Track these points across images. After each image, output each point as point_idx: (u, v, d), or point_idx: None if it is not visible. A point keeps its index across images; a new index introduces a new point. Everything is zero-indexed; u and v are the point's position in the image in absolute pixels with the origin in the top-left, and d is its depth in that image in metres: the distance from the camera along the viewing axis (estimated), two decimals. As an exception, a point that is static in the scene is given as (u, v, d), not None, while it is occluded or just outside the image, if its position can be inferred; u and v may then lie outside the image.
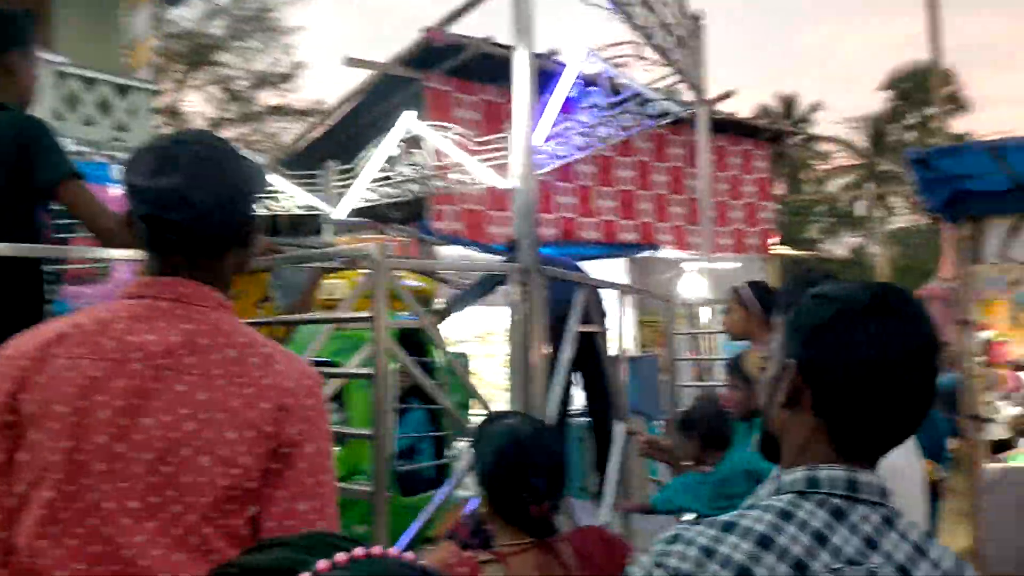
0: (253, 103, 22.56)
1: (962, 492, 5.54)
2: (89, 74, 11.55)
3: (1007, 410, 7.91)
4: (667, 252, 12.48)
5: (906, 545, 1.08)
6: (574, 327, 3.61)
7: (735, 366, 3.16)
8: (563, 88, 6.79)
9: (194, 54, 21.17)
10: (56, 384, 1.29)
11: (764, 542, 1.05)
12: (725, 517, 1.11)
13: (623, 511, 4.09)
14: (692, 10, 5.89)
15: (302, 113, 22.67)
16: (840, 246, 34.26)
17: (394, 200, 9.13)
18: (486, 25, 10.08)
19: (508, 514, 2.13)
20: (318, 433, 1.38)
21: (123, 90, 11.76)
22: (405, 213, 9.90)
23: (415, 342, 3.76)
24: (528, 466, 2.12)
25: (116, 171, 6.05)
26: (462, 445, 4.10)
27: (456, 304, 5.42)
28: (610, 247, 11.70)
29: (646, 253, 12.17)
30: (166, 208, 1.35)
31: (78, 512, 1.26)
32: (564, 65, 7.08)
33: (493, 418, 2.44)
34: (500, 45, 9.65)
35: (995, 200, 5.58)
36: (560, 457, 2.21)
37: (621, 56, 5.96)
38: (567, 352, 3.51)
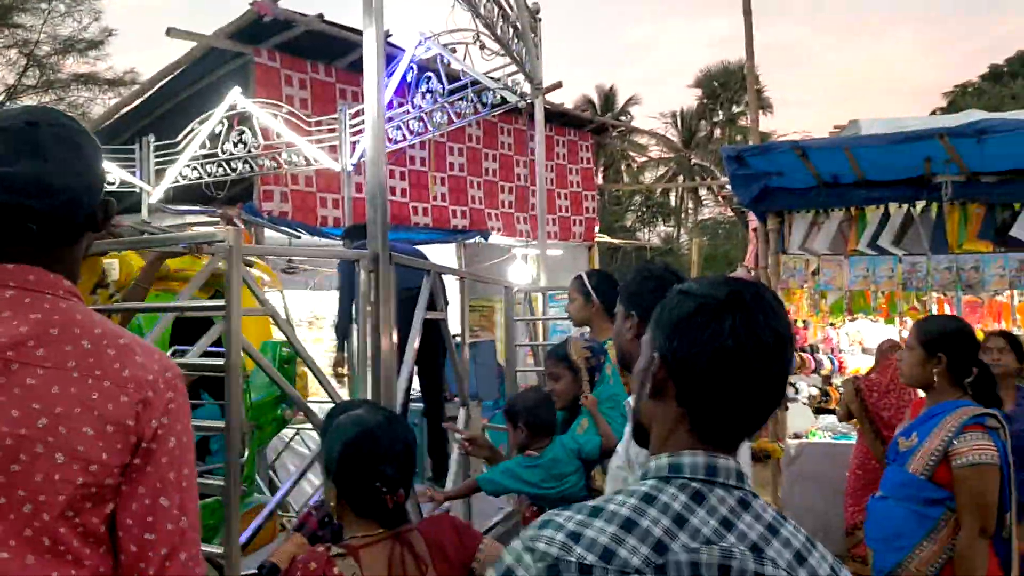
0: (57, 71, 20.89)
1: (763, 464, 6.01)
2: None
3: (807, 390, 8.64)
4: (496, 238, 12.68)
5: (759, 525, 1.14)
6: (421, 314, 3.64)
7: (559, 354, 3.25)
8: (399, 72, 6.76)
9: (-11, 13, 19.39)
10: None
11: (628, 525, 1.09)
12: (592, 502, 1.16)
13: (447, 499, 4.15)
14: (530, 2, 6.02)
15: (111, 83, 21.26)
16: (654, 235, 35.95)
17: (218, 179, 8.77)
18: (316, 2, 9.86)
19: (359, 505, 2.12)
20: (179, 427, 1.35)
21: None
22: (230, 193, 9.53)
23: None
24: (379, 456, 2.13)
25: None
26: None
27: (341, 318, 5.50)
28: (441, 232, 11.75)
29: (476, 239, 12.32)
30: (27, 196, 1.28)
31: None
32: (400, 49, 7.03)
33: (340, 408, 2.43)
34: (331, 23, 9.47)
35: (799, 196, 6.06)
36: (410, 445, 2.24)
37: (458, 43, 5.99)
38: (415, 339, 3.53)
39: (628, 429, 2.03)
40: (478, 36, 5.42)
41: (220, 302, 2.19)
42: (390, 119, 7.22)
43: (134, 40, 46.54)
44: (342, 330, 5.74)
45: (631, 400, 2.15)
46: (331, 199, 10.18)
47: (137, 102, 9.77)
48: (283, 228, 9.52)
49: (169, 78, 9.50)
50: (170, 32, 8.54)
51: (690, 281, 1.32)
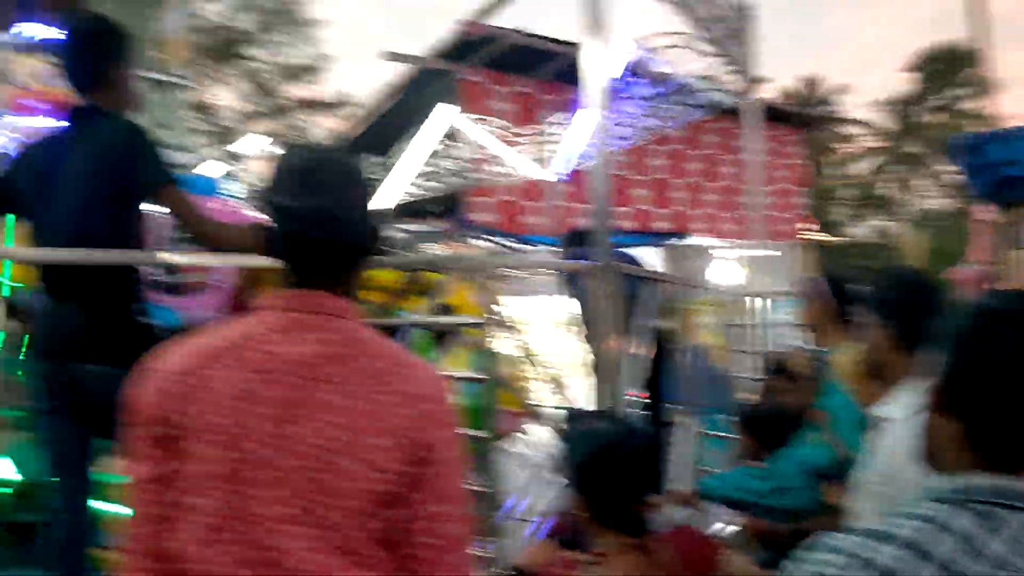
0: (281, 97, 22.63)
1: None
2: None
3: None
4: (699, 239, 12.46)
5: None
6: (646, 323, 3.65)
7: (781, 365, 3.15)
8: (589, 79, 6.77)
9: (223, 48, 21.27)
10: (211, 397, 1.35)
11: (920, 550, 1.07)
12: (874, 526, 1.13)
13: (679, 503, 4.12)
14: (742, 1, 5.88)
15: (329, 106, 22.75)
16: (865, 229, 34.02)
17: (431, 194, 9.17)
18: (517, 16, 10.10)
19: (606, 515, 2.15)
20: (453, 438, 1.44)
21: (160, 86, 11.87)
22: (441, 207, 9.94)
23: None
24: (626, 465, 2.14)
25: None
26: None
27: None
28: (643, 235, 11.70)
29: (678, 240, 12.17)
30: (314, 226, 1.40)
31: (239, 520, 1.31)
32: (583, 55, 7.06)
33: (578, 417, 2.46)
34: (535, 36, 9.66)
35: (1038, 186, 5.53)
36: (655, 454, 2.24)
37: (668, 46, 5.95)
38: (641, 348, 3.55)
39: (885, 443, 1.95)
40: (690, 37, 5.36)
41: (473, 318, 2.28)
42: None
43: (349, 62, 49.43)
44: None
45: (888, 411, 2.07)
46: (536, 208, 10.38)
47: (354, 125, 10.36)
48: (493, 239, 9.83)
49: (383, 100, 10.02)
50: (385, 56, 9.01)
51: (984, 298, 1.27)
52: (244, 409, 1.33)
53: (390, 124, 10.56)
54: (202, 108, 21.46)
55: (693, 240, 12.34)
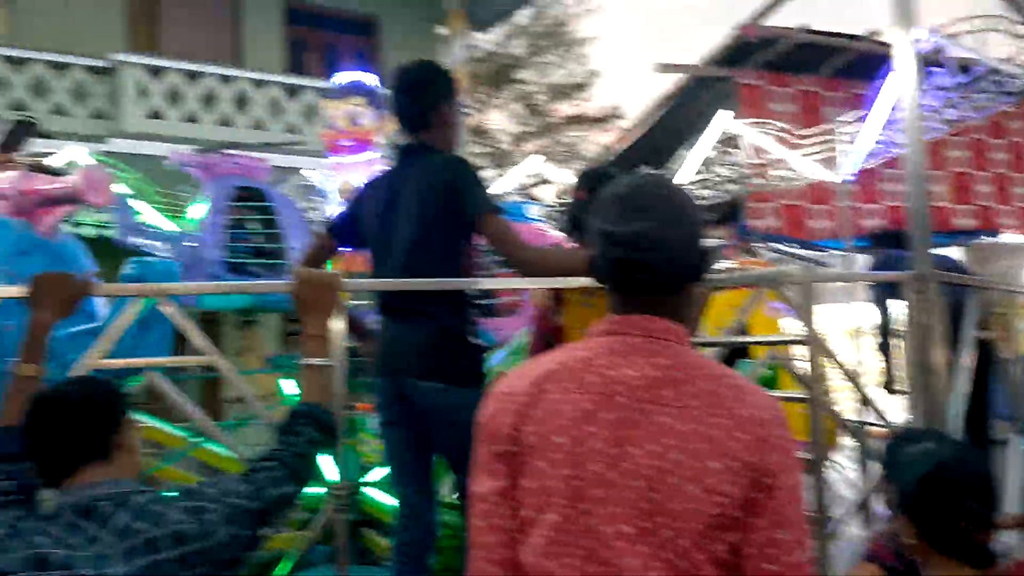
0: (551, 115, 23.36)
1: None
2: (416, 104, 12.64)
3: None
4: (1008, 237, 11.28)
5: None
6: (970, 332, 3.38)
7: None
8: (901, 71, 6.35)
9: (497, 74, 22.35)
10: (552, 417, 1.41)
11: None
12: None
13: (1013, 528, 3.75)
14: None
15: (597, 121, 23.14)
16: None
17: (709, 202, 9.06)
18: (794, 14, 9.74)
19: (942, 543, 2.02)
20: (792, 463, 1.41)
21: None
22: (719, 214, 9.78)
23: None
24: (963, 490, 2.00)
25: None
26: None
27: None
28: (945, 234, 10.79)
29: (985, 239, 11.09)
30: (641, 250, 1.44)
31: (578, 535, 1.37)
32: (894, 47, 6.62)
33: (905, 437, 2.32)
34: (816, 32, 9.28)
35: None
36: (992, 477, 2.07)
37: (971, 31, 5.48)
38: (965, 359, 3.29)
39: None
40: (1001, 20, 4.90)
41: (792, 335, 2.24)
42: (893, 122, 6.85)
43: (615, 75, 50.08)
44: (884, 346, 5.53)
45: None
46: (822, 210, 9.93)
47: (629, 138, 10.48)
48: (775, 245, 9.52)
49: (658, 111, 10.06)
50: (659, 68, 9.06)
51: None
52: (584, 429, 1.39)
53: (664, 135, 10.57)
54: (479, 132, 22.71)
55: (1003, 238, 11.20)
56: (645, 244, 1.43)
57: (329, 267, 2.92)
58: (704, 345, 2.59)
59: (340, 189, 5.32)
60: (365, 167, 5.23)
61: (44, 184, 3.26)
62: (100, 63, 10.58)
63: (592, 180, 3.04)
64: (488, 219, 2.61)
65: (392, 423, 2.74)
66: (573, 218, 3.13)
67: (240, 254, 5.64)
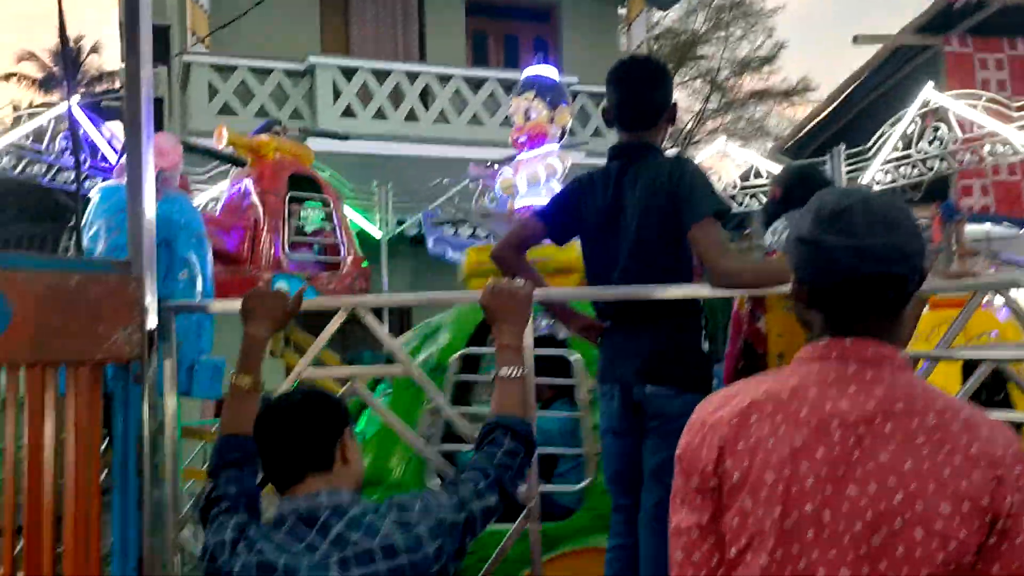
0: (735, 91, 22.65)
1: None
2: (596, 90, 12.59)
3: None
4: None
5: None
6: None
7: None
8: None
9: (678, 52, 21.88)
10: (760, 452, 1.33)
11: None
12: None
13: None
14: None
15: (786, 94, 22.22)
16: None
17: (912, 180, 8.47)
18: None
19: None
20: None
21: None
22: (923, 192, 9.15)
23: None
24: None
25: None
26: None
27: None
28: None
29: None
30: (890, 264, 1.33)
31: None
32: None
33: None
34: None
35: None
36: None
37: None
38: None
39: None
40: None
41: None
42: None
43: (805, 48, 47.91)
44: None
45: None
46: (1040, 186, 9.09)
47: (825, 113, 9.98)
48: (984, 224, 8.81)
49: (856, 84, 9.52)
50: (857, 39, 8.55)
51: None
52: (796, 466, 1.30)
53: (861, 110, 9.99)
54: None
55: None
56: (898, 258, 1.33)
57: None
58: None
59: (501, 185, 5.33)
60: (540, 161, 5.22)
61: None
62: (297, 66, 11.19)
63: (791, 178, 2.88)
64: (701, 224, 2.48)
65: (617, 432, 2.68)
66: (768, 216, 2.99)
67: None
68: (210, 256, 3.84)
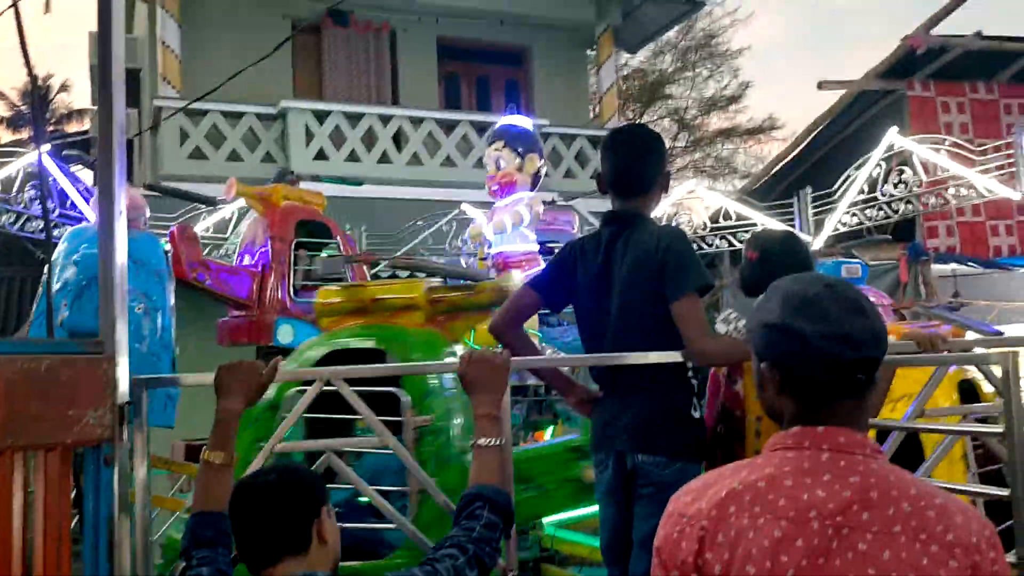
0: (702, 129, 22.96)
1: None
2: (566, 131, 12.71)
3: None
4: None
5: None
6: None
7: None
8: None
9: (646, 92, 22.17)
10: (740, 544, 1.33)
11: None
12: None
13: None
14: None
15: (751, 132, 22.55)
16: None
17: (878, 223, 8.60)
18: (963, 20, 9.18)
19: None
20: None
21: (594, 141, 12.75)
22: (887, 235, 9.28)
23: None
24: None
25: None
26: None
27: None
28: None
29: None
30: (868, 348, 1.35)
31: None
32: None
33: None
34: (991, 38, 8.70)
35: None
36: None
37: None
38: None
39: None
40: None
41: (996, 428, 2.04)
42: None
43: (768, 84, 48.84)
44: None
45: None
46: (1003, 225, 9.28)
47: (790, 156, 10.13)
48: (949, 264, 8.96)
49: (820, 128, 9.68)
50: (822, 85, 8.72)
51: None
52: (777, 559, 1.30)
53: (827, 151, 10.16)
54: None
55: None
56: (873, 341, 1.36)
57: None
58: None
59: (471, 233, 5.40)
60: (508, 210, 5.27)
61: None
62: (269, 110, 11.19)
63: (770, 244, 2.92)
64: (683, 301, 2.52)
65: (611, 502, 2.69)
66: (743, 279, 3.03)
67: None
68: (171, 291, 4.00)
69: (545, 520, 4.08)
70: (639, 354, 2.55)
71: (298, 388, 3.17)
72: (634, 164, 2.74)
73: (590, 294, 2.74)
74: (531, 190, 5.28)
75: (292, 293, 5.34)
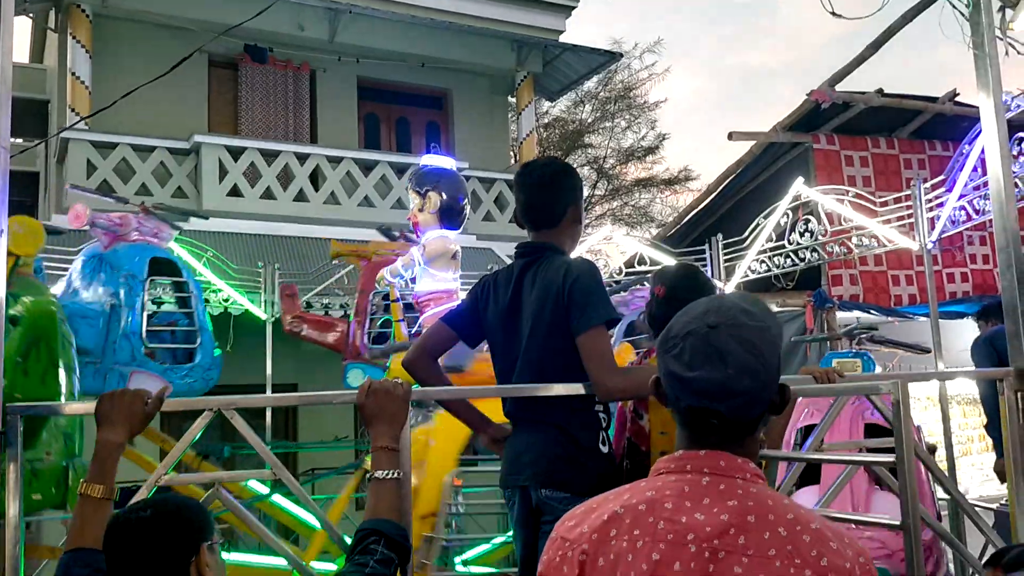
0: (621, 178, 23.39)
1: None
2: (486, 175, 12.77)
3: None
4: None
5: None
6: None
7: None
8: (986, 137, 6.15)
9: (566, 140, 22.52)
10: (619, 567, 1.32)
11: None
12: None
13: None
14: None
15: (668, 183, 23.08)
16: None
17: (785, 270, 8.84)
18: (869, 77, 9.62)
19: None
20: None
21: (512, 185, 12.82)
22: (796, 282, 9.55)
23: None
24: None
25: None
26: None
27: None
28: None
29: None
30: (712, 399, 1.35)
31: None
32: (976, 109, 6.43)
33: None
34: (891, 95, 9.11)
35: None
36: None
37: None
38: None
39: None
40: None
41: (886, 457, 2.08)
42: (976, 188, 6.62)
43: (684, 136, 50.26)
44: (993, 428, 5.18)
45: None
46: (904, 276, 9.63)
47: (703, 204, 10.37)
48: (853, 312, 9.25)
49: (731, 177, 9.95)
50: (732, 136, 8.98)
51: None
52: None
53: (738, 200, 10.44)
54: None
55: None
56: (718, 394, 1.34)
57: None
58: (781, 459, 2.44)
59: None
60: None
61: None
62: (182, 145, 10.95)
63: (675, 279, 2.93)
64: (588, 334, 2.50)
65: (520, 533, 2.66)
66: (652, 315, 3.03)
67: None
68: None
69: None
70: (543, 386, 2.53)
71: None
72: (543, 196, 2.74)
73: (501, 327, 2.73)
74: (445, 227, 5.24)
75: (365, 340, 6.19)
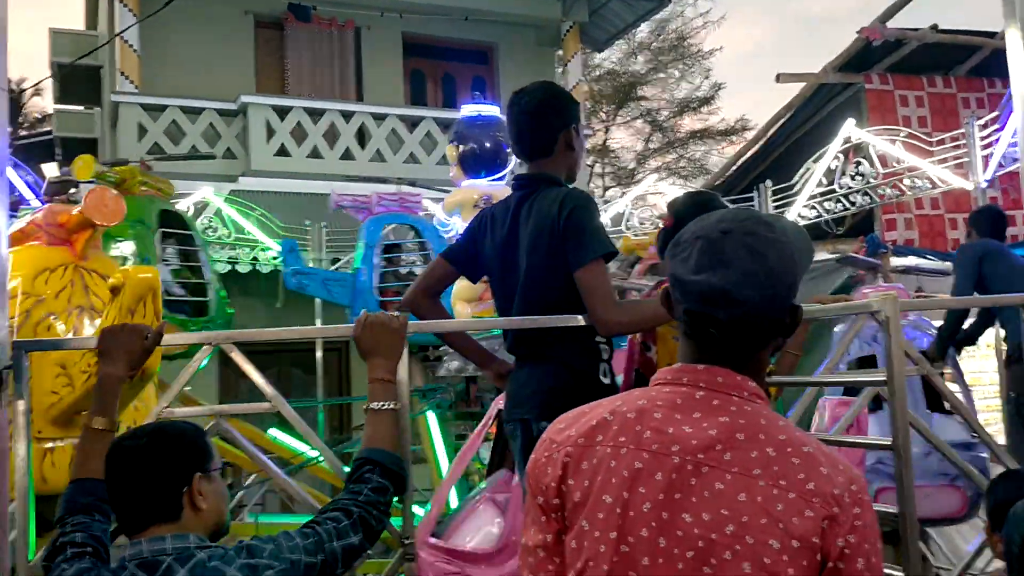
0: (676, 131, 23.02)
1: None
2: (532, 127, 12.66)
3: None
4: None
5: None
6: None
7: None
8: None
9: (619, 92, 22.21)
10: (600, 473, 1.29)
11: None
12: None
13: None
14: None
15: (724, 133, 22.64)
16: None
17: (837, 215, 8.62)
18: (921, 13, 9.25)
19: None
20: (867, 547, 1.23)
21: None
22: (848, 227, 9.31)
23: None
24: None
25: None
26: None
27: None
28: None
29: None
30: (712, 305, 1.29)
31: None
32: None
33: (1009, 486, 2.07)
34: (947, 31, 8.75)
35: None
36: None
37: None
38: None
39: None
40: None
41: (878, 375, 2.02)
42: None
43: (741, 87, 49.11)
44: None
45: None
46: (961, 219, 9.31)
47: (752, 151, 10.15)
48: (909, 257, 8.99)
49: (781, 122, 9.70)
50: (779, 78, 8.73)
51: None
52: (633, 490, 1.26)
53: (788, 147, 10.18)
54: (602, 151, 22.58)
55: None
56: (719, 300, 1.28)
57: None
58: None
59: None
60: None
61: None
62: (230, 106, 11.10)
63: (683, 207, 2.82)
64: (586, 268, 2.44)
65: (524, 466, 2.66)
66: (660, 249, 2.97)
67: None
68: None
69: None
70: (542, 318, 2.50)
71: None
72: (532, 124, 2.66)
73: (499, 261, 2.68)
74: (470, 177, 5.24)
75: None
